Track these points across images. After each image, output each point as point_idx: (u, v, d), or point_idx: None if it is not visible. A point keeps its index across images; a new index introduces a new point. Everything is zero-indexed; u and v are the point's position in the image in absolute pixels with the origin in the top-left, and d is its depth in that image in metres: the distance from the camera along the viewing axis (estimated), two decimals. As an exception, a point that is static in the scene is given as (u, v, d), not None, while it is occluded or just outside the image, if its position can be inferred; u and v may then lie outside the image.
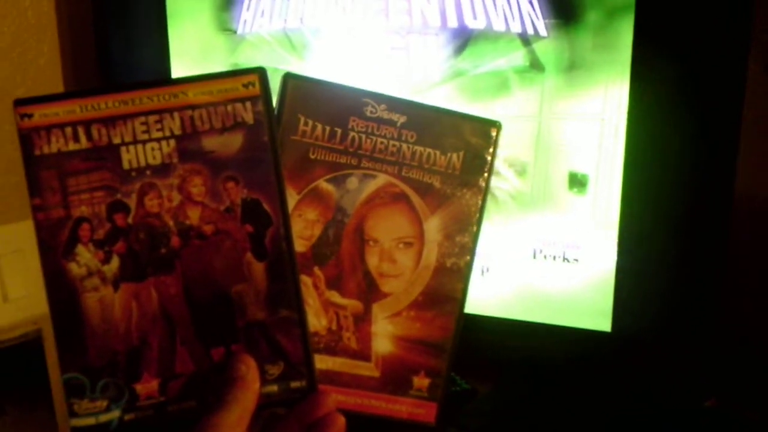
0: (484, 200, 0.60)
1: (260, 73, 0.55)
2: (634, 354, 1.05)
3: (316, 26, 1.10)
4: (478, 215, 0.60)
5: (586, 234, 1.03)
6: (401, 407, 0.59)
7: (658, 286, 1.03)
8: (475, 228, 0.59)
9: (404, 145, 0.59)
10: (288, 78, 0.58)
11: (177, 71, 1.16)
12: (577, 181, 1.01)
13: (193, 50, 1.16)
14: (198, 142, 0.54)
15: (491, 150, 0.60)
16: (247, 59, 1.14)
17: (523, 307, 1.08)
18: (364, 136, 0.58)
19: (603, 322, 1.04)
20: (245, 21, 1.14)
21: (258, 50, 1.13)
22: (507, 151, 1.04)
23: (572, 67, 0.99)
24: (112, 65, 1.26)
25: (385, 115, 0.59)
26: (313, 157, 0.58)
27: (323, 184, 0.58)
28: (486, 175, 0.60)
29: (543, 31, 0.99)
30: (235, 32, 1.14)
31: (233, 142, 0.54)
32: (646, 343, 1.05)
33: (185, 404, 0.53)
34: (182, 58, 1.16)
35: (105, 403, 0.52)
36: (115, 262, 0.53)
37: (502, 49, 1.01)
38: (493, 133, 0.60)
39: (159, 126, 0.54)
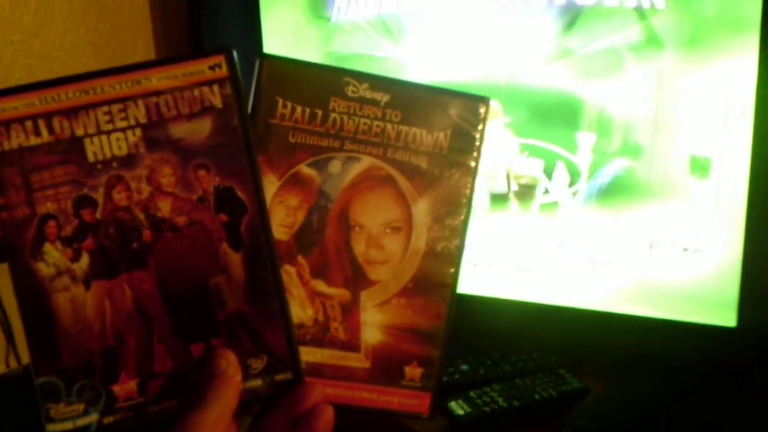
0: (474, 181, 0.57)
1: (227, 53, 0.52)
2: (761, 350, 0.98)
3: (413, 9, 1.06)
4: (468, 196, 0.57)
5: (709, 222, 0.96)
6: (393, 399, 0.56)
7: (788, 278, 0.95)
8: (465, 210, 0.57)
9: (389, 125, 0.56)
10: (263, 59, 0.55)
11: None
12: (698, 165, 0.95)
13: (286, 40, 1.14)
14: (165, 130, 0.51)
15: (480, 128, 0.57)
16: (341, 47, 1.11)
17: (639, 302, 1.02)
18: (346, 117, 0.56)
19: (728, 317, 0.98)
20: (339, 7, 1.11)
21: (352, 37, 1.11)
22: (621, 135, 0.98)
23: (693, 41, 0.93)
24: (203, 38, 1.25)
25: (368, 95, 0.56)
26: (293, 140, 0.55)
27: (305, 169, 0.55)
28: (475, 154, 0.57)
29: (660, 4, 0.93)
30: (330, 19, 1.11)
31: (202, 128, 0.52)
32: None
33: (166, 404, 0.50)
34: (276, 49, 1.14)
35: (82, 407, 0.50)
36: (84, 259, 0.51)
37: (615, 24, 0.95)
38: (482, 110, 0.57)
39: (123, 115, 0.51)
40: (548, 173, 1.03)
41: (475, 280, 1.08)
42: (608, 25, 0.95)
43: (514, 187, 1.05)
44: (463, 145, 0.57)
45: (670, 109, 0.95)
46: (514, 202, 1.06)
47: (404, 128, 0.56)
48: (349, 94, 0.56)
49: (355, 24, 1.09)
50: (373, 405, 0.56)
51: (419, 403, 0.56)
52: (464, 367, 1.05)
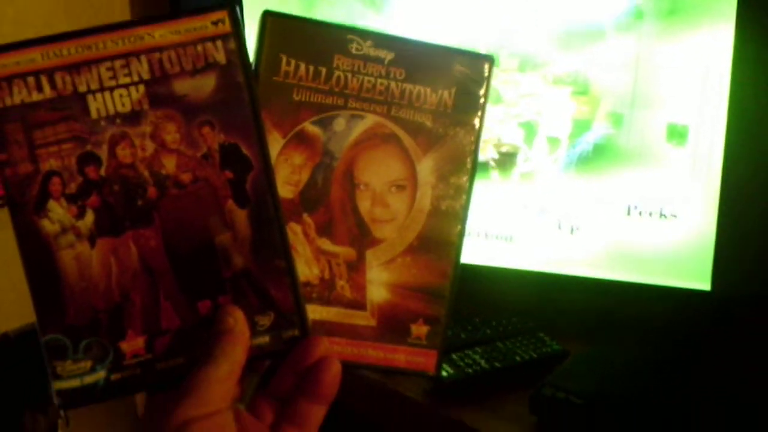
0: (478, 139, 0.57)
1: (230, 8, 0.52)
2: (734, 313, 1.01)
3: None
4: (472, 155, 0.57)
5: (685, 188, 0.99)
6: (399, 356, 0.56)
7: (761, 243, 0.98)
8: (470, 168, 0.57)
9: (393, 83, 0.56)
10: (267, 16, 0.55)
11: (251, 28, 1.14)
12: (676, 133, 0.97)
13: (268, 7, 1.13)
14: (169, 86, 0.51)
15: (484, 86, 0.57)
16: (324, 15, 1.11)
17: (616, 267, 1.04)
18: (350, 75, 0.56)
19: (703, 281, 1.01)
20: (321, -25, 1.10)
21: (334, 6, 1.10)
22: (601, 103, 1.00)
23: (673, 11, 0.94)
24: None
25: (372, 52, 0.56)
26: (297, 98, 0.55)
27: (309, 127, 0.55)
28: (480, 113, 0.57)
29: (641, -26, 0.94)
30: (312, -13, 1.11)
31: (206, 84, 0.51)
32: (748, 302, 1.00)
33: (173, 361, 0.50)
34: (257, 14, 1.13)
35: (89, 364, 0.50)
36: (89, 216, 0.50)
37: (597, -6, 0.97)
38: (486, 68, 0.57)
39: (126, 71, 0.51)
40: (529, 141, 1.05)
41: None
42: (590, -6, 0.97)
43: (495, 155, 1.07)
44: (467, 104, 0.57)
45: (649, 78, 0.97)
46: (494, 170, 1.07)
47: (408, 86, 0.56)
48: (353, 51, 0.56)
49: (338, -8, 1.09)
50: (379, 363, 0.56)
51: (425, 360, 0.57)
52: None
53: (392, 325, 0.56)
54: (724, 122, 0.94)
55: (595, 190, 1.02)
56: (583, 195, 1.03)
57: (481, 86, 0.57)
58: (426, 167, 0.57)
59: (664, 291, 1.01)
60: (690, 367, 0.97)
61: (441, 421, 0.94)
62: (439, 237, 0.57)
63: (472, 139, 0.57)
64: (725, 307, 0.99)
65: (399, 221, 0.56)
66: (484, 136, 1.05)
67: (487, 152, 1.07)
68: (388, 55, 0.56)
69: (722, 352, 0.99)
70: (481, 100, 0.57)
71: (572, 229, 1.05)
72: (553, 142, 1.03)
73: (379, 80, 0.56)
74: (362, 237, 0.56)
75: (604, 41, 0.98)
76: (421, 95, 0.56)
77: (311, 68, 0.55)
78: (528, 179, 1.06)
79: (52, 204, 0.50)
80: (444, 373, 0.96)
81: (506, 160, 1.06)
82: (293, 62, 0.55)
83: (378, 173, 0.56)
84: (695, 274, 0.99)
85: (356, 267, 0.56)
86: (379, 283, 0.56)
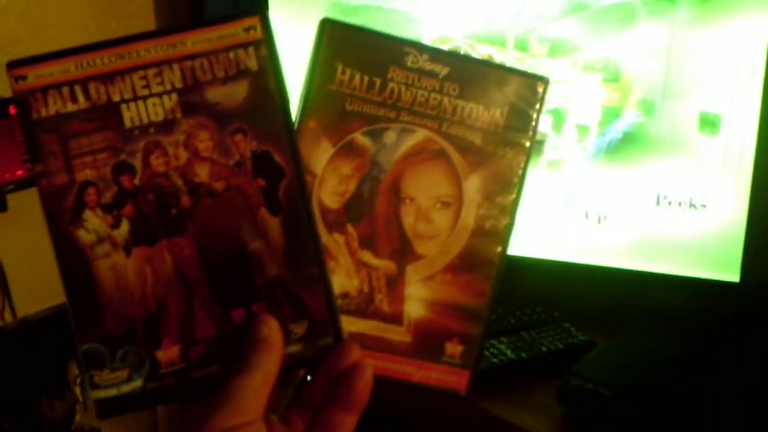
0: (527, 160, 0.56)
1: (262, 15, 0.52)
2: (763, 305, 1.00)
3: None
4: (520, 176, 0.56)
5: (716, 178, 0.98)
6: (432, 374, 0.56)
7: (793, 235, 0.97)
8: (516, 189, 0.56)
9: (446, 99, 0.56)
10: (326, 23, 0.55)
11: (276, 12, 1.12)
12: (708, 122, 0.95)
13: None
14: (201, 94, 0.51)
15: (537, 107, 0.56)
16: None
17: (644, 257, 1.03)
18: (404, 88, 0.55)
19: (731, 272, 0.99)
20: (347, -44, 1.09)
21: (360, -11, 1.09)
22: (632, 90, 0.98)
23: (706, -2, 0.92)
24: (205, 7, 1.23)
25: (427, 66, 0.55)
26: (350, 108, 0.55)
27: (359, 138, 0.55)
28: (530, 133, 0.56)
29: (675, -41, 0.92)
30: (336, -31, 1.09)
31: (238, 91, 0.51)
32: (777, 294, 0.99)
33: (208, 369, 0.50)
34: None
35: (126, 373, 0.50)
36: (124, 226, 0.51)
37: (629, -22, 0.95)
38: (540, 89, 0.56)
39: (159, 80, 0.51)
40: (557, 129, 1.03)
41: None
42: (623, -21, 0.95)
43: (522, 142, 1.05)
44: (518, 124, 0.56)
45: (681, 65, 0.95)
46: (521, 158, 1.06)
47: (461, 102, 0.56)
48: (409, 64, 0.55)
49: (363, -25, 1.08)
50: (411, 379, 0.56)
51: (458, 379, 0.56)
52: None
53: (427, 342, 0.56)
54: (757, 112, 0.92)
55: (624, 179, 1.01)
56: (611, 184, 1.02)
57: (533, 107, 0.56)
58: (472, 185, 0.56)
59: (692, 282, 1.01)
60: (717, 358, 0.96)
61: (468, 412, 0.94)
62: (480, 256, 0.56)
63: (521, 159, 0.56)
64: (753, 299, 0.98)
65: (442, 238, 0.56)
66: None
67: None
68: (443, 70, 0.56)
69: (749, 344, 0.98)
70: (533, 122, 0.56)
71: (600, 219, 1.04)
72: (582, 129, 1.02)
73: (433, 95, 0.56)
74: (404, 251, 0.56)
75: (637, 27, 0.96)
76: (473, 112, 0.56)
77: (366, 78, 0.55)
78: (555, 167, 1.04)
79: (87, 214, 0.50)
80: (469, 363, 0.95)
81: (534, 147, 1.05)
82: (348, 71, 0.55)
83: (424, 189, 0.56)
84: (724, 266, 0.98)
85: (396, 281, 0.56)
86: (417, 299, 0.56)
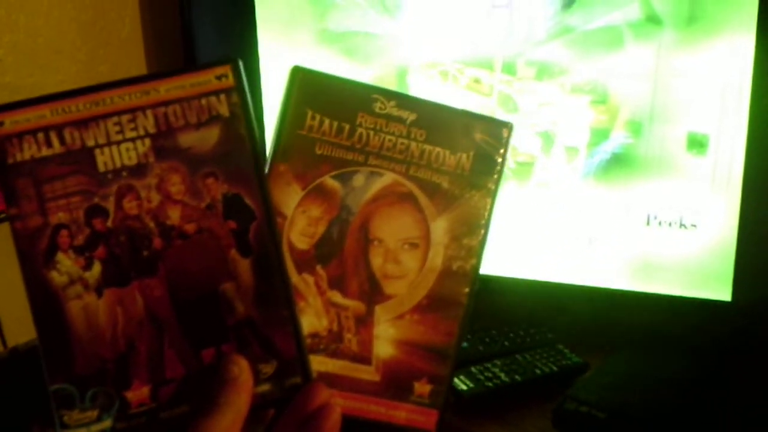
0: (493, 202, 0.58)
1: (233, 63, 0.54)
2: (755, 324, 1.00)
3: (410, -16, 1.05)
4: (486, 218, 0.58)
5: (705, 198, 0.98)
6: (400, 413, 0.57)
7: (783, 253, 0.97)
8: (483, 231, 0.58)
9: (413, 144, 0.57)
10: (297, 71, 0.57)
11: (264, 39, 1.13)
12: (696, 142, 0.96)
13: (281, 17, 1.12)
14: (174, 139, 0.53)
15: (502, 151, 0.58)
16: (337, 24, 1.10)
17: (636, 277, 1.03)
18: (372, 133, 0.57)
19: (723, 291, 1.00)
20: (334, -17, 1.10)
21: (348, 14, 1.10)
22: (620, 112, 0.99)
23: (692, 19, 0.93)
24: (195, 35, 1.24)
25: (395, 112, 0.57)
26: (319, 152, 0.57)
27: (329, 181, 0.57)
28: (496, 177, 0.58)
29: (660, -18, 0.93)
30: (325, -5, 1.10)
31: (210, 136, 0.53)
32: (769, 312, 0.99)
33: (178, 409, 0.51)
34: (270, 25, 1.13)
35: (96, 413, 0.51)
36: (96, 267, 0.52)
37: (615, 1, 0.96)
38: (505, 134, 0.58)
39: (133, 125, 0.52)
40: (546, 151, 1.04)
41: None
42: (608, 2, 0.96)
43: (512, 164, 1.06)
44: (484, 168, 0.58)
45: (668, 86, 0.96)
46: (511, 180, 1.06)
47: (428, 147, 0.57)
48: (377, 110, 0.57)
49: (352, 0, 1.08)
50: (380, 418, 0.57)
51: (426, 419, 0.57)
52: (463, 344, 1.05)
53: (396, 381, 0.57)
54: (744, 131, 0.93)
55: (614, 200, 1.01)
56: (601, 205, 1.02)
57: (498, 151, 0.58)
58: (440, 227, 0.57)
59: (684, 302, 1.01)
60: (712, 378, 0.96)
61: (462, 437, 0.94)
62: (448, 296, 0.57)
63: (488, 202, 0.58)
64: (746, 318, 0.98)
65: (410, 278, 0.57)
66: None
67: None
68: (410, 116, 0.57)
69: (744, 364, 0.98)
70: (499, 165, 0.58)
71: (590, 240, 1.04)
72: (571, 151, 1.02)
73: (400, 140, 0.57)
74: (373, 292, 0.57)
75: (623, 49, 0.97)
76: (440, 157, 0.57)
77: (335, 124, 0.56)
78: (545, 189, 1.05)
79: (60, 256, 0.51)
80: (464, 387, 0.95)
81: (523, 169, 1.05)
82: (318, 117, 0.56)
83: (392, 230, 0.57)
84: (716, 285, 0.99)
85: (365, 321, 0.57)
86: (386, 339, 0.57)
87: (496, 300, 1.09)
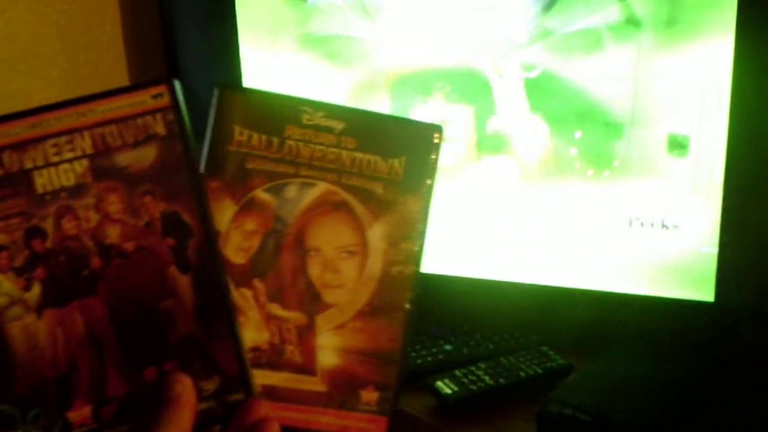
0: (428, 206, 0.58)
1: (169, 83, 0.54)
2: (738, 324, 1.00)
3: (391, -13, 1.05)
4: (423, 221, 0.58)
5: (687, 198, 0.98)
6: (349, 422, 0.57)
7: (765, 253, 0.98)
8: (420, 235, 0.58)
9: (344, 152, 0.57)
10: (222, 89, 0.57)
11: (246, 44, 1.13)
12: (677, 144, 0.96)
13: (262, 22, 1.12)
14: (111, 159, 0.53)
15: (434, 155, 0.58)
16: (318, 28, 1.10)
17: (618, 279, 1.03)
18: (301, 144, 0.57)
19: (705, 293, 1.00)
20: (316, -13, 1.09)
21: (329, 18, 1.10)
22: (600, 113, 0.99)
23: (671, 22, 0.94)
24: (176, 39, 1.23)
25: (323, 123, 0.57)
26: (249, 166, 0.57)
27: (261, 194, 0.57)
28: (429, 181, 0.58)
29: (639, -16, 0.93)
30: (306, 0, 1.09)
31: (147, 155, 0.53)
32: (751, 313, 1.00)
33: (120, 429, 0.51)
34: (251, 31, 1.12)
35: None
36: (36, 288, 0.52)
37: (594, 4, 0.96)
38: (436, 138, 0.58)
39: (70, 146, 0.53)
40: (529, 153, 1.04)
41: (455, 260, 1.09)
42: (588, 5, 0.96)
43: (495, 168, 1.06)
44: (417, 172, 0.58)
45: (649, 88, 0.96)
46: (493, 182, 1.06)
47: (359, 155, 0.57)
48: (305, 122, 0.57)
49: (332, 4, 1.08)
50: (329, 429, 0.56)
51: (376, 427, 0.57)
52: (448, 347, 1.06)
53: (342, 390, 0.57)
54: (725, 132, 0.93)
55: (596, 202, 1.01)
56: (583, 207, 1.02)
57: (430, 155, 0.58)
58: (376, 233, 0.57)
59: (667, 303, 1.01)
60: (696, 380, 0.96)
61: (446, 441, 0.94)
62: (390, 302, 0.57)
63: (423, 206, 0.58)
64: (729, 319, 0.98)
65: (349, 286, 0.57)
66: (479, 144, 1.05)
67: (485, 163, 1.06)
68: (339, 125, 0.57)
69: (727, 364, 0.98)
70: (432, 169, 0.58)
71: (573, 241, 1.04)
72: (555, 153, 1.02)
73: (330, 149, 0.57)
74: (312, 302, 0.57)
75: (603, 52, 0.97)
76: (372, 164, 0.57)
77: (263, 138, 0.57)
78: (527, 190, 1.05)
79: None
80: (448, 391, 0.95)
81: (505, 171, 1.05)
82: (246, 132, 0.57)
83: (328, 239, 0.57)
84: (698, 286, 0.99)
85: (306, 332, 0.57)
86: (329, 349, 0.57)
87: (480, 303, 1.09)
